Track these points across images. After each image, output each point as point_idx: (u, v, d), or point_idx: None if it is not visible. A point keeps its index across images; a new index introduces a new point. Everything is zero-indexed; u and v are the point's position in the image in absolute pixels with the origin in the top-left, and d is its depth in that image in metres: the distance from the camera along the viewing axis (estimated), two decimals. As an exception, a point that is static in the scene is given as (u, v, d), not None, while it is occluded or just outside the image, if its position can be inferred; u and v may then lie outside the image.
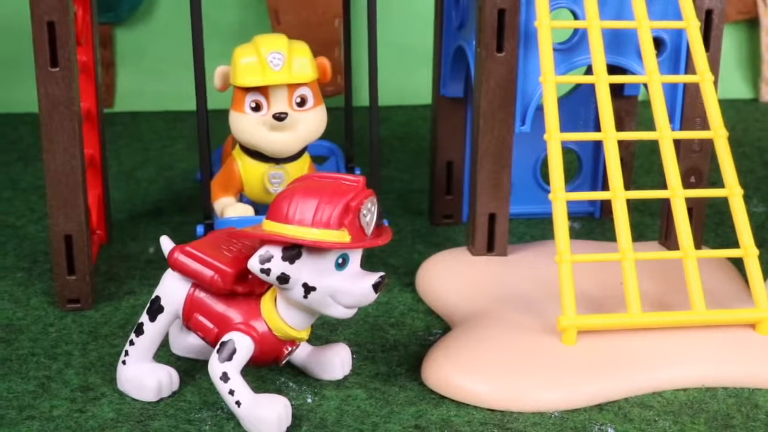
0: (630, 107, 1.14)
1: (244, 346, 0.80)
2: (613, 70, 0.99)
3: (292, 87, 0.98)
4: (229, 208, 1.00)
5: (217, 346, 0.81)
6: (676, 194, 0.92)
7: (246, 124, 0.98)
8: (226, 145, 1.10)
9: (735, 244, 0.93)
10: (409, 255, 1.09)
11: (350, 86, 1.13)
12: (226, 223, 0.98)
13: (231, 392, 0.79)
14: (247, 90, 0.98)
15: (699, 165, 1.03)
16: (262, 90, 0.97)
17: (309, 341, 0.88)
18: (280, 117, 0.97)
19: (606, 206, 1.17)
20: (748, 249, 0.91)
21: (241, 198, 1.03)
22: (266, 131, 0.98)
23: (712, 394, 0.86)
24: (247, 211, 1.00)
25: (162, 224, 1.15)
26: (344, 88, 1.13)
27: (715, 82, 0.97)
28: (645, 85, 0.97)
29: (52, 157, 0.93)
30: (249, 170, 1.01)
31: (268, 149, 0.99)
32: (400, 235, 1.13)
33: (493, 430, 0.81)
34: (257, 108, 0.98)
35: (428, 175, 1.18)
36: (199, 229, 1.01)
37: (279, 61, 0.96)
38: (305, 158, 1.02)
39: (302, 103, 0.98)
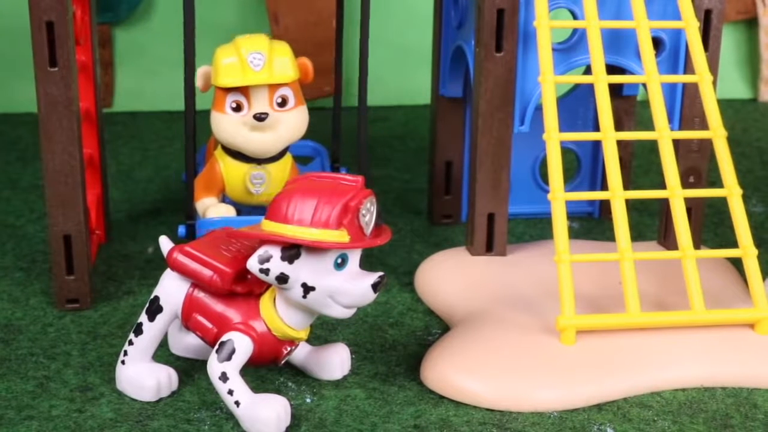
0: (629, 107, 1.14)
1: (243, 346, 0.80)
2: (612, 70, 0.99)
3: (273, 87, 0.97)
4: (211, 208, 1.00)
5: (216, 346, 0.81)
6: (675, 194, 0.92)
7: (227, 125, 0.98)
8: (209, 144, 1.10)
9: (734, 243, 0.93)
10: (408, 255, 1.09)
11: (340, 86, 1.13)
12: (207, 224, 0.98)
13: (230, 392, 0.79)
14: (228, 90, 0.97)
15: (698, 165, 1.03)
16: (243, 90, 0.97)
17: (308, 341, 0.88)
18: (260, 117, 0.97)
19: (605, 206, 1.17)
20: (746, 249, 0.91)
21: (224, 198, 1.03)
22: (247, 132, 0.98)
23: (711, 393, 0.86)
24: (229, 211, 1.00)
25: (161, 224, 1.15)
26: (334, 87, 1.13)
27: (714, 82, 0.97)
28: (644, 85, 0.97)
29: (51, 156, 0.93)
30: (231, 171, 1.01)
31: (248, 150, 0.99)
32: (399, 234, 1.13)
33: (492, 430, 0.81)
34: (238, 108, 0.98)
35: (427, 174, 1.18)
36: (181, 229, 1.01)
37: (259, 61, 0.96)
38: (287, 158, 1.02)
39: (283, 103, 0.98)
